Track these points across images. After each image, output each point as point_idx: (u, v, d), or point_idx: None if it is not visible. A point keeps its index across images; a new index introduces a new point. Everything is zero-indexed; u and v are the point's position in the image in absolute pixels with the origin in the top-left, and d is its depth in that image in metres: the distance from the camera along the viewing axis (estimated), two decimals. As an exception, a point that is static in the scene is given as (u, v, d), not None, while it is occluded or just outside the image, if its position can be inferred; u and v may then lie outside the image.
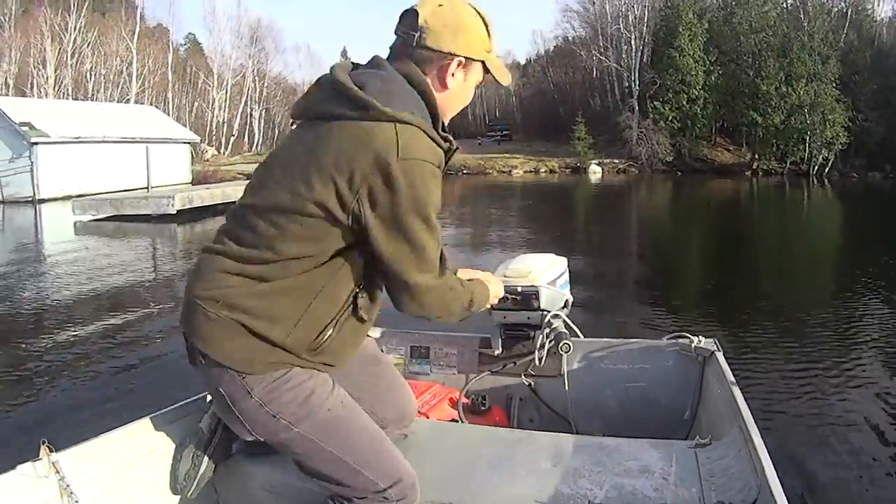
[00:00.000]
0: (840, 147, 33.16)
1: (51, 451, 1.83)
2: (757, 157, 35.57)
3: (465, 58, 1.76)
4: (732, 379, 2.36)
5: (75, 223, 16.72)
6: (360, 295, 1.78)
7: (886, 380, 5.11)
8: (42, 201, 23.46)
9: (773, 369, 5.25)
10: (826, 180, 31.18)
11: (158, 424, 2.17)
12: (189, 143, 32.11)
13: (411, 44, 1.73)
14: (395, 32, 1.79)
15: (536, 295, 2.79)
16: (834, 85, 33.55)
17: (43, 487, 1.82)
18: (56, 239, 15.57)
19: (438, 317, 1.88)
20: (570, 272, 3.00)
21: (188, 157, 30.99)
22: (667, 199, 26.04)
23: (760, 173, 34.47)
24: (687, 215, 20.62)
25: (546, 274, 2.80)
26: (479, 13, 1.80)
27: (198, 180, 28.35)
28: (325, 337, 1.74)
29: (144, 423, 2.13)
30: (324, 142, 1.65)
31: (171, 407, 2.23)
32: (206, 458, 2.10)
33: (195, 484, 2.09)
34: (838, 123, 32.79)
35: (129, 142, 26.86)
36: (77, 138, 25.65)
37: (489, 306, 2.32)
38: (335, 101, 1.67)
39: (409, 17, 1.75)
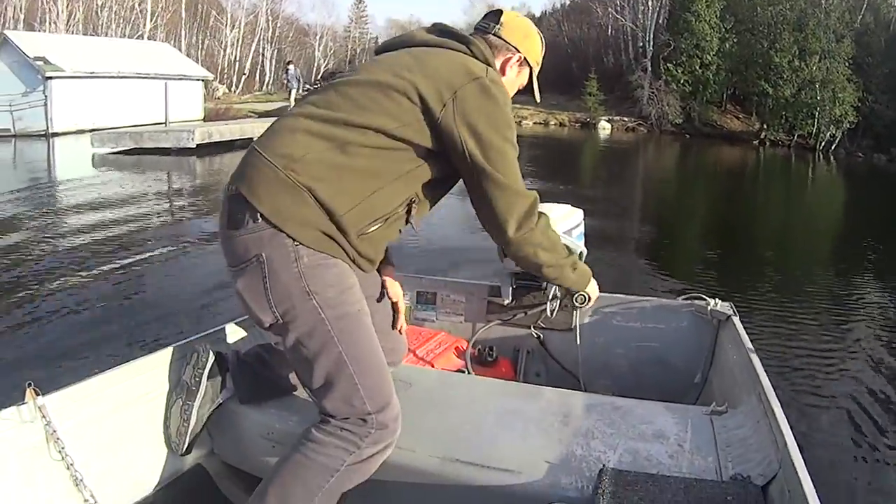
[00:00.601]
0: (848, 126, 32.64)
1: (37, 394, 1.78)
2: (766, 127, 35.08)
3: (524, 58, 2.09)
4: (750, 345, 2.29)
5: (93, 155, 16.70)
6: (415, 204, 1.87)
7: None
8: (55, 135, 23.26)
9: (784, 337, 5.23)
10: (832, 157, 30.85)
11: (147, 368, 2.12)
12: (203, 80, 31.71)
13: (490, 31, 2.06)
14: (477, 24, 2.12)
15: None
16: (846, 64, 32.89)
17: (28, 433, 1.77)
18: (75, 170, 15.59)
19: (542, 247, 2.03)
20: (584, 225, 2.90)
21: (201, 95, 30.63)
22: (674, 160, 25.87)
23: (768, 143, 34.02)
24: (694, 178, 20.51)
25: (562, 223, 2.71)
26: (541, 36, 2.17)
27: (210, 117, 27.97)
28: (373, 228, 1.79)
29: (134, 367, 2.08)
30: (430, 54, 1.89)
31: (161, 350, 2.18)
32: (195, 411, 2.08)
33: (187, 438, 2.08)
34: (848, 102, 32.24)
35: (144, 77, 26.43)
36: (92, 73, 25.28)
37: (587, 293, 2.48)
38: (442, 36, 1.97)
39: (492, 14, 2.11)
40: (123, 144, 17.44)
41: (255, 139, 1.88)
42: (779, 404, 1.81)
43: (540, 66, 2.18)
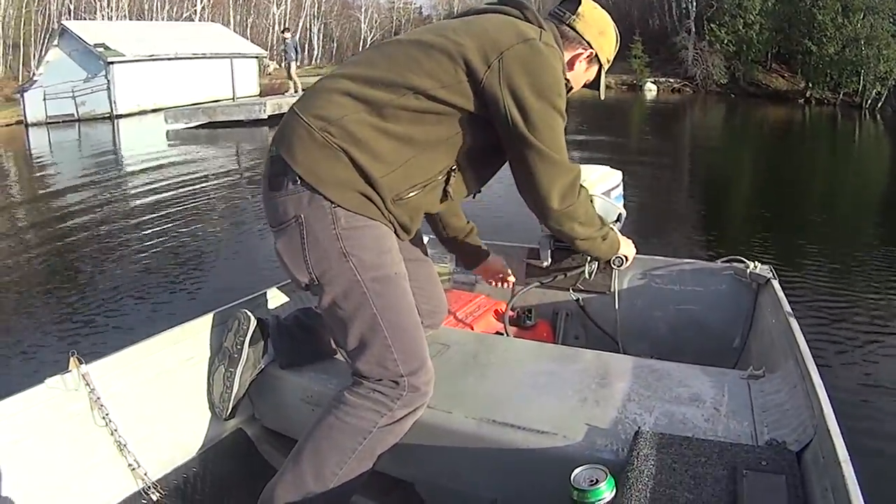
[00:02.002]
0: (894, 83, 31.66)
1: (80, 362, 1.80)
2: (811, 85, 34.04)
3: (596, 55, 2.00)
4: (789, 309, 2.21)
5: (167, 131, 17.74)
6: (454, 173, 1.80)
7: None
8: (119, 116, 24.55)
9: (824, 302, 5.11)
10: (878, 115, 29.78)
11: (189, 335, 2.13)
12: (257, 57, 32.07)
13: (564, 21, 1.95)
14: (553, 9, 2.00)
15: None
16: (891, 20, 31.78)
17: (73, 400, 1.79)
18: (153, 144, 16.54)
19: (577, 221, 1.99)
20: (624, 186, 2.82)
21: (256, 71, 30.99)
22: (720, 120, 25.32)
23: (813, 102, 33.02)
24: (739, 137, 20.03)
25: (600, 185, 2.64)
26: (617, 31, 2.06)
27: (266, 92, 28.44)
28: (411, 195, 1.74)
29: (174, 334, 2.08)
30: (480, 18, 1.81)
31: (202, 316, 2.18)
32: (237, 377, 2.08)
33: (231, 404, 2.08)
34: (893, 59, 31.18)
35: (200, 58, 27.13)
36: (151, 56, 26.52)
37: (622, 256, 2.44)
38: (501, 4, 1.87)
39: (571, 2, 1.97)
40: (197, 120, 18.58)
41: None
42: (816, 370, 1.75)
43: (610, 63, 2.08)
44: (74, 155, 16.56)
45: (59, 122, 24.49)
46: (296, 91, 20.41)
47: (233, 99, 23.25)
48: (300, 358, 2.20)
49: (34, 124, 24.64)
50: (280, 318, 2.25)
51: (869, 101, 32.00)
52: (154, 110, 23.71)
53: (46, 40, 29.97)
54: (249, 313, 2.15)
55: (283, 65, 22.75)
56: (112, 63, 24.92)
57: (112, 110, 24.88)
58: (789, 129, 22.88)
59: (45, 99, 25.08)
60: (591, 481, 1.48)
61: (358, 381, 1.78)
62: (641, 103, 30.41)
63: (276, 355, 2.18)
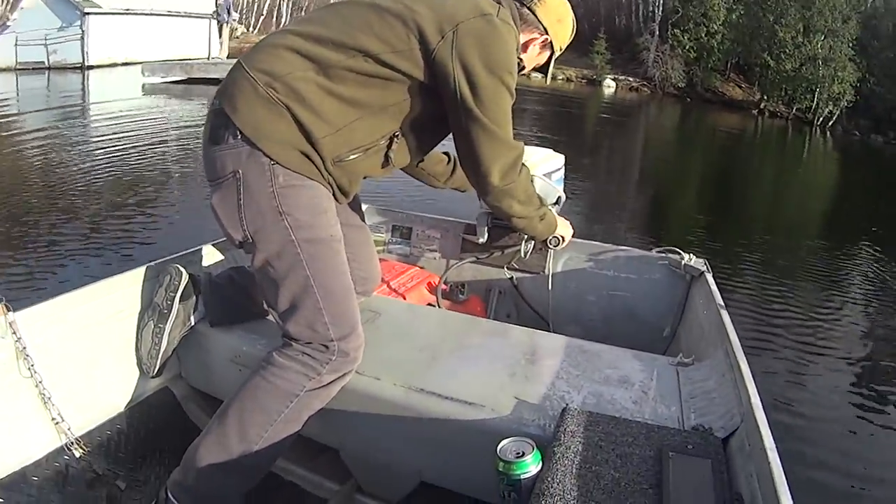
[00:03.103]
0: (846, 104, 32.39)
1: (7, 310, 1.69)
2: (766, 97, 34.81)
3: (550, 42, 1.98)
4: (721, 301, 2.18)
5: (143, 84, 17.66)
6: (397, 139, 1.72)
7: (874, 319, 5.09)
8: (90, 67, 24.00)
9: (756, 298, 5.21)
10: (828, 133, 30.60)
11: (120, 287, 2.01)
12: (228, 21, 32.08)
13: (525, 3, 1.91)
14: None
15: None
16: (850, 45, 32.51)
17: None
18: (130, 94, 16.35)
19: (515, 199, 1.94)
20: (566, 171, 2.75)
21: (227, 34, 30.93)
22: (674, 122, 25.69)
23: (767, 114, 33.77)
24: (692, 139, 20.45)
25: (542, 166, 2.56)
26: (575, 22, 2.05)
27: (233, 55, 28.23)
28: (351, 157, 1.67)
29: (106, 285, 1.97)
30: None
31: (134, 270, 2.07)
32: (166, 334, 1.98)
33: (158, 361, 1.99)
34: (847, 81, 31.95)
35: (175, 16, 26.72)
36: (127, 10, 25.83)
37: (558, 237, 2.41)
38: None
39: None
40: (174, 74, 18.44)
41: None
42: (745, 360, 1.73)
43: (563, 52, 2.06)
44: (42, 101, 16.16)
45: (28, 70, 24.01)
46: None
47: (208, 57, 22.89)
48: (230, 316, 2.10)
49: (2, 69, 24.15)
50: (212, 275, 2.14)
51: (821, 119, 32.78)
52: (125, 63, 23.65)
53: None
54: (182, 269, 2.04)
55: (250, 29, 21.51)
56: (88, 14, 24.39)
57: (84, 61, 24.27)
58: (741, 137, 23.32)
59: (16, 44, 24.53)
60: (518, 453, 1.45)
61: (287, 342, 1.71)
62: (599, 99, 30.63)
63: (207, 313, 2.07)
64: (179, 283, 2.00)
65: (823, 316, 5.13)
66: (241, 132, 1.59)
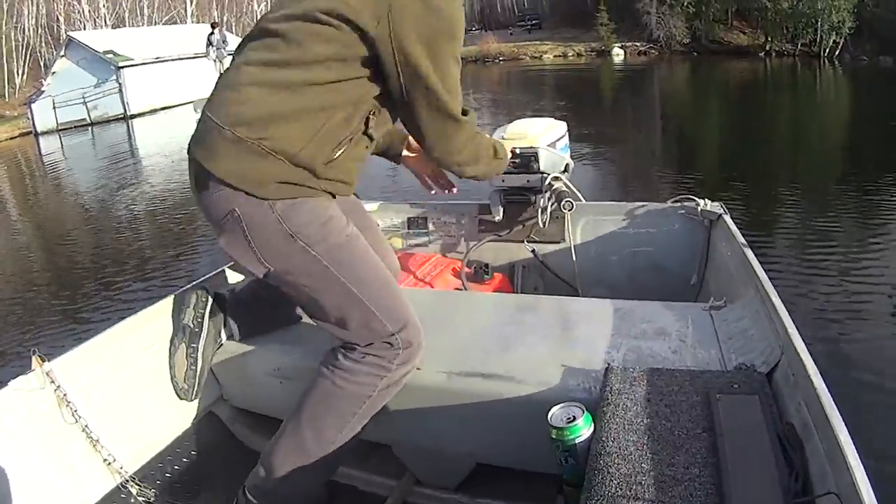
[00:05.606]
0: (848, 32, 31.41)
1: (43, 360, 1.66)
2: (769, 39, 33.87)
3: None
4: (743, 241, 2.11)
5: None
6: (373, 115, 1.62)
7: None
8: (132, 116, 24.90)
9: (779, 238, 5.09)
10: (836, 62, 29.66)
11: (148, 321, 1.99)
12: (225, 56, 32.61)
13: None
14: None
15: (535, 157, 2.51)
16: (841, -27, 31.54)
17: (40, 400, 1.65)
18: (172, 137, 16.95)
19: (468, 165, 1.79)
20: (570, 136, 2.69)
21: (226, 65, 31.63)
22: (684, 77, 25.33)
23: (774, 54, 32.87)
24: (705, 91, 20.04)
25: (545, 136, 2.51)
26: None
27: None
28: (339, 153, 1.58)
29: (134, 321, 1.95)
30: None
31: (159, 302, 2.04)
32: (200, 353, 1.93)
33: (196, 381, 1.94)
34: (844, 9, 30.94)
35: (202, 56, 27.20)
36: (157, 58, 26.84)
37: (564, 194, 2.31)
38: None
39: None
40: None
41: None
42: (776, 294, 1.66)
43: None
44: (90, 155, 16.50)
45: (70, 128, 24.61)
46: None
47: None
48: (260, 328, 2.07)
49: (45, 132, 24.82)
50: (235, 290, 2.13)
51: (826, 50, 31.81)
52: (163, 108, 24.67)
53: (28, 56, 29.77)
54: (206, 288, 2.03)
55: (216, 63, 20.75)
56: (122, 67, 25.34)
57: (126, 111, 25.28)
58: (752, 81, 22.76)
59: (54, 107, 25.18)
60: (569, 419, 1.42)
61: (350, 346, 1.66)
62: (610, 67, 30.46)
63: (238, 328, 2.05)
64: (206, 301, 1.98)
65: (855, 250, 4.95)
66: (221, 180, 1.54)
